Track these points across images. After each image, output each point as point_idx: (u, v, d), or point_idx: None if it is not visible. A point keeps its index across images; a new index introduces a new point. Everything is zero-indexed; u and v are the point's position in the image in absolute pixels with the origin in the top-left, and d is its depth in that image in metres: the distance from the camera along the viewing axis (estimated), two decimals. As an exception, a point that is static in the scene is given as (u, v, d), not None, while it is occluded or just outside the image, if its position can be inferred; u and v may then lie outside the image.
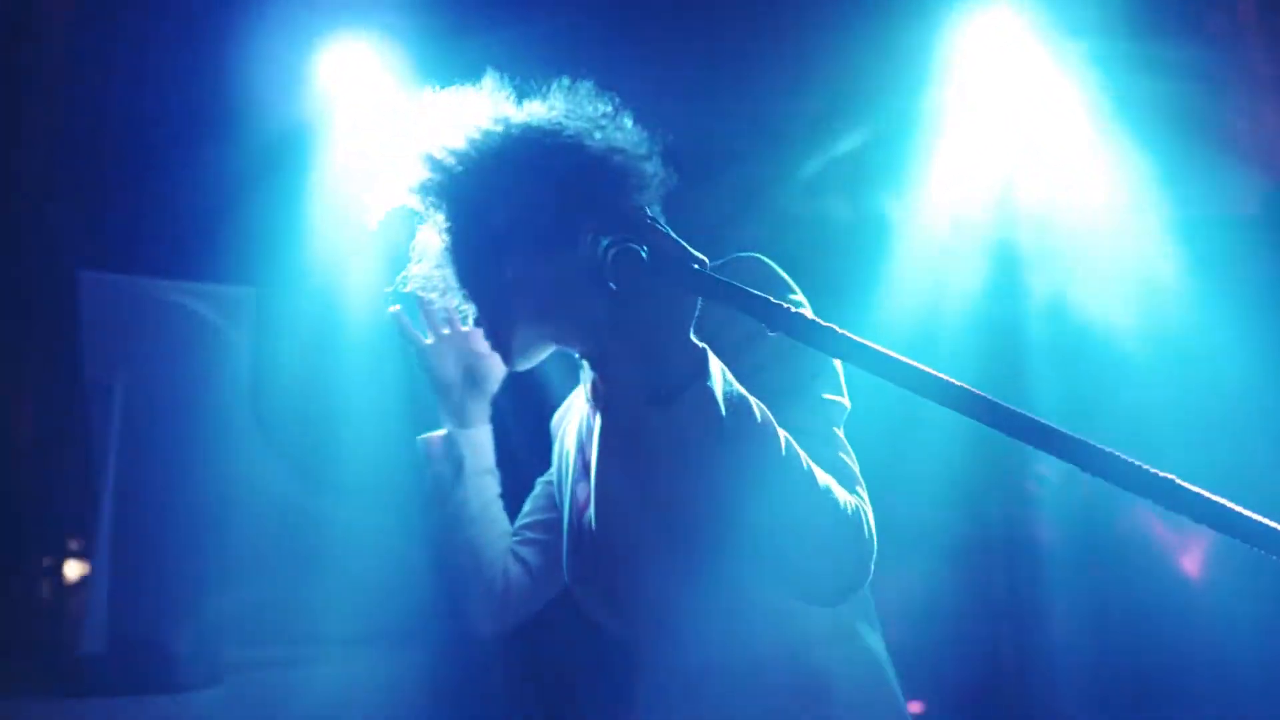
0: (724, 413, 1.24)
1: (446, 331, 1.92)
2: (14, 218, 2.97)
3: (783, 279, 1.57)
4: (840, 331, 1.15)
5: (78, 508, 3.08)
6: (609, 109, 1.63)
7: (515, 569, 1.91)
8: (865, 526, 1.36)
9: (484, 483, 1.94)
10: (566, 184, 1.54)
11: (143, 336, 3.06)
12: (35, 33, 3.44)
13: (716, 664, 1.65)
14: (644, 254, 1.18)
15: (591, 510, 1.61)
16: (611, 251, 1.18)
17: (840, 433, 1.48)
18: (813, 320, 1.16)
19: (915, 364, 1.13)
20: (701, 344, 1.25)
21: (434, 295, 1.63)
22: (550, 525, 1.90)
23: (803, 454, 1.30)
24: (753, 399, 1.29)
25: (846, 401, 1.52)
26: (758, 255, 1.58)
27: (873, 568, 1.39)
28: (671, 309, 1.23)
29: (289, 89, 3.21)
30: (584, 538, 1.64)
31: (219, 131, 2.95)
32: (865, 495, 1.41)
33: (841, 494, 1.34)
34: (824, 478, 1.32)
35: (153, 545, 3.04)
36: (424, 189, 1.58)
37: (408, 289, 1.68)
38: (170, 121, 3.06)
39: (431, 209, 1.58)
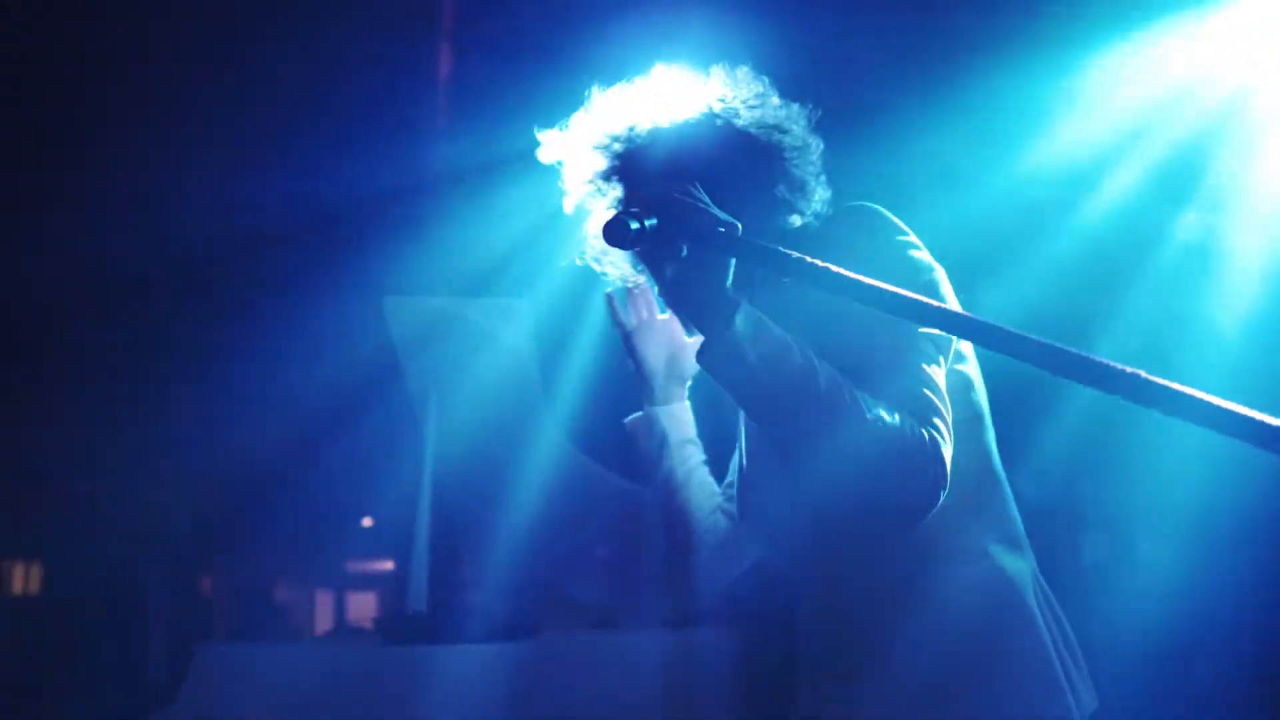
0: (753, 357, 1.46)
1: (647, 317, 2.06)
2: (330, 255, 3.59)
3: (891, 222, 1.70)
4: (856, 278, 1.31)
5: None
6: (764, 88, 1.80)
7: (724, 524, 2.02)
8: (926, 454, 1.48)
9: (686, 452, 2.05)
10: (716, 162, 1.72)
11: (445, 347, 3.38)
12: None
13: (848, 590, 1.78)
14: (640, 226, 1.40)
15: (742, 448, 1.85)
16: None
17: (930, 368, 1.58)
18: (824, 267, 1.33)
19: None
20: (735, 298, 1.48)
21: (611, 270, 1.84)
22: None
23: (847, 389, 1.48)
24: (795, 343, 1.49)
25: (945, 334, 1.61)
26: (865, 203, 1.73)
27: (941, 494, 1.50)
28: (697, 270, 1.48)
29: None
30: (744, 475, 1.86)
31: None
32: (943, 425, 1.52)
33: (898, 423, 1.48)
34: (876, 410, 1.47)
35: (464, 523, 3.50)
36: (599, 172, 1.79)
37: (580, 261, 1.87)
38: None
39: (606, 189, 1.80)
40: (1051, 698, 1.66)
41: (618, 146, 1.78)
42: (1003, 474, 1.80)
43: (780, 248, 1.41)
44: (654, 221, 1.43)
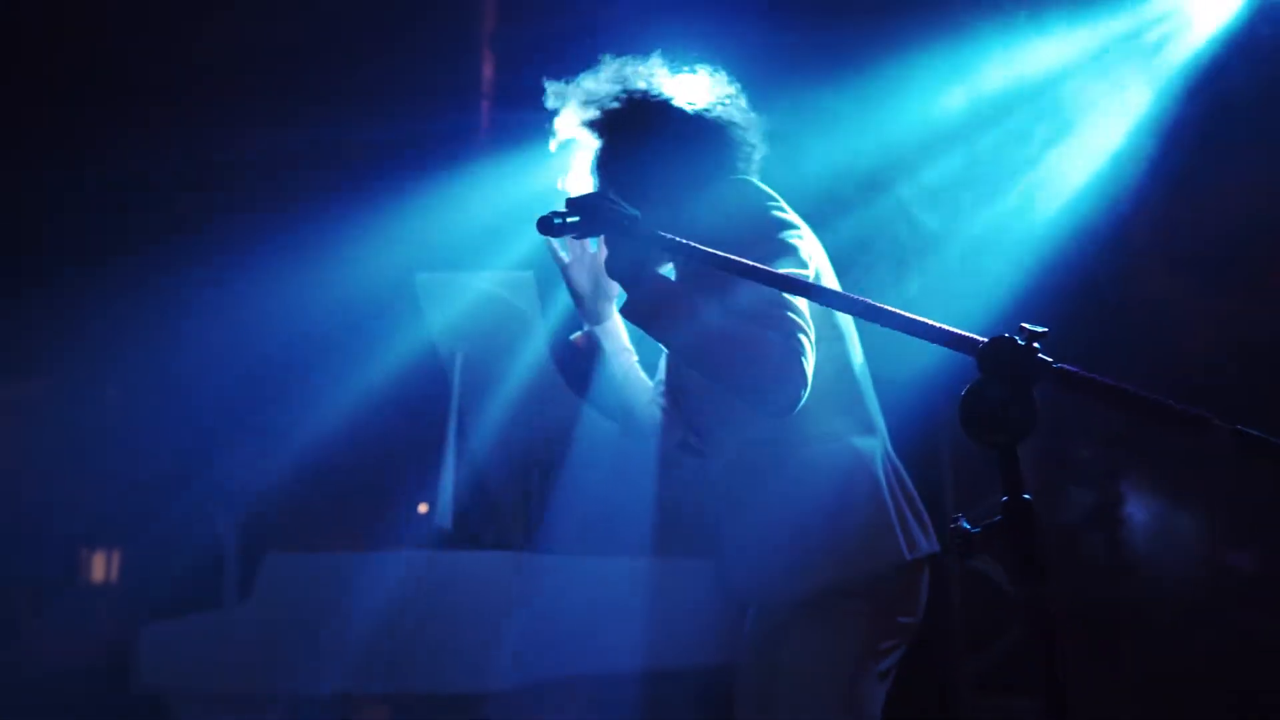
0: (651, 306, 2.03)
1: (579, 252, 2.44)
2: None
3: (763, 192, 2.21)
4: (725, 256, 1.78)
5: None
6: (734, 91, 2.33)
7: (658, 413, 2.49)
8: (793, 360, 1.97)
9: (622, 359, 2.49)
10: (680, 143, 2.26)
11: (468, 316, 3.89)
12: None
13: (739, 462, 2.29)
14: (563, 221, 1.91)
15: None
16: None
17: (791, 298, 2.03)
18: (704, 249, 1.80)
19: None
20: (649, 268, 2.04)
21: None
22: None
23: (722, 322, 2.00)
24: (683, 294, 2.05)
25: (803, 272, 2.11)
26: (742, 177, 2.27)
27: (804, 390, 1.99)
28: (612, 248, 2.07)
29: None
30: (670, 376, 2.43)
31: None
32: (806, 340, 2.00)
33: (766, 338, 1.98)
34: (749, 330, 1.99)
35: (481, 462, 4.06)
36: (589, 123, 2.33)
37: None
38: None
39: (593, 137, 2.33)
40: (883, 540, 2.17)
41: (604, 111, 2.32)
42: (861, 377, 2.31)
43: (666, 234, 1.89)
44: (575, 219, 1.94)
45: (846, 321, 2.33)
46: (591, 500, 4.12)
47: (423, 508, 4.79)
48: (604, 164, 2.33)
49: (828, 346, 2.21)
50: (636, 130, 2.31)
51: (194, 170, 4.95)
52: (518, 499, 4.03)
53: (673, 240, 1.91)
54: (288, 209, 4.77)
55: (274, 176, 4.89)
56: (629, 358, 2.52)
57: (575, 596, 3.78)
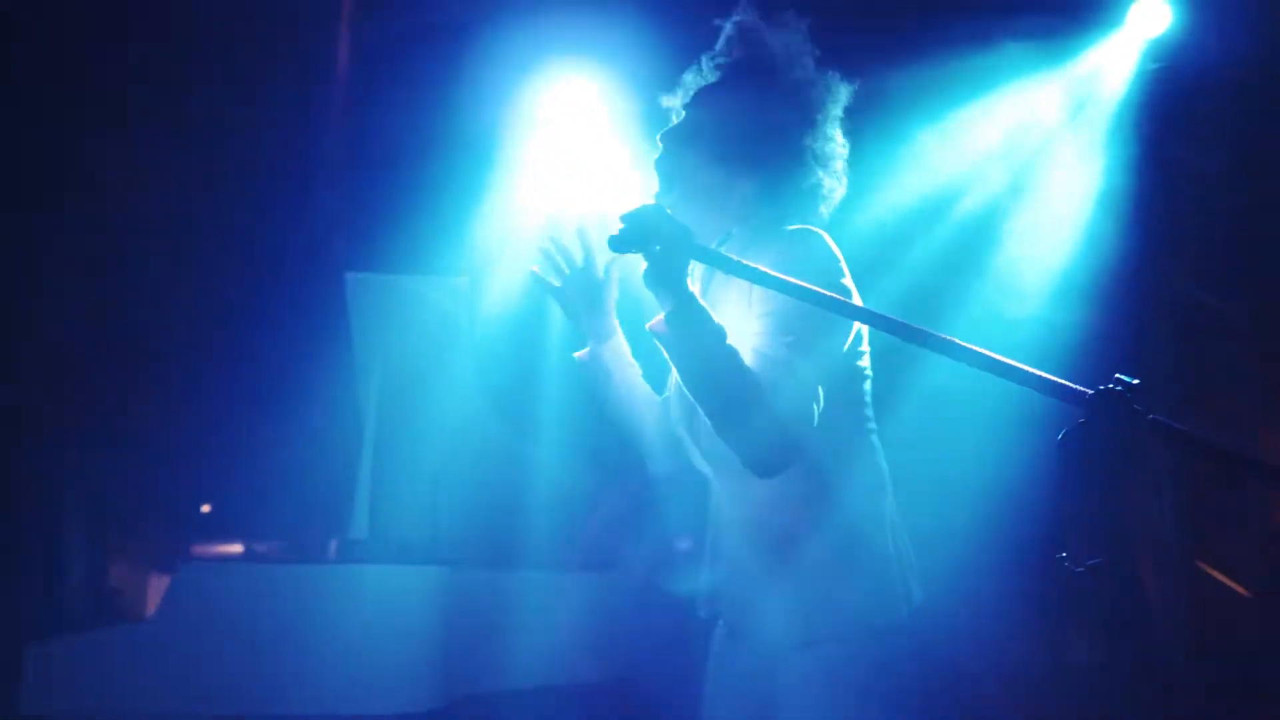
0: (694, 336, 1.93)
1: (568, 272, 2.40)
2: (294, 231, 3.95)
3: (832, 253, 2.14)
4: (782, 277, 1.80)
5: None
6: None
7: (668, 439, 2.42)
8: (785, 425, 1.96)
9: (628, 375, 2.44)
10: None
11: (395, 321, 3.80)
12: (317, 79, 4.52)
13: (733, 510, 2.29)
14: (629, 237, 1.87)
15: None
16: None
17: (810, 367, 2.01)
18: (755, 268, 1.81)
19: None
20: (689, 290, 1.93)
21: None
22: None
23: (745, 369, 1.95)
24: (718, 327, 1.95)
25: (843, 340, 2.11)
26: (810, 228, 2.18)
27: (789, 462, 1.99)
28: (662, 263, 1.93)
29: (504, 114, 4.15)
30: (683, 398, 2.24)
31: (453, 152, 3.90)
32: (803, 406, 1.99)
33: (770, 399, 1.94)
34: (758, 386, 1.95)
35: (401, 471, 3.84)
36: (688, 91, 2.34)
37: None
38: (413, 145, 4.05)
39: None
40: (885, 596, 2.16)
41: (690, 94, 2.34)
42: (876, 437, 2.29)
43: (723, 252, 1.91)
44: (634, 234, 1.90)
45: (870, 387, 2.31)
46: (504, 511, 4.06)
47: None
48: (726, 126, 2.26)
49: (855, 412, 2.23)
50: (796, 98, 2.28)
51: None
52: (437, 509, 3.93)
53: (726, 258, 1.89)
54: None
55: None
56: (634, 372, 2.47)
57: (503, 610, 3.68)
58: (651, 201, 2.08)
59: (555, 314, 3.61)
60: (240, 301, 4.37)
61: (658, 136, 2.34)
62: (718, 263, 1.92)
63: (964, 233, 4.55)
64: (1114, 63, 4.59)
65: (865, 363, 2.28)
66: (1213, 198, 4.72)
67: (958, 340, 1.70)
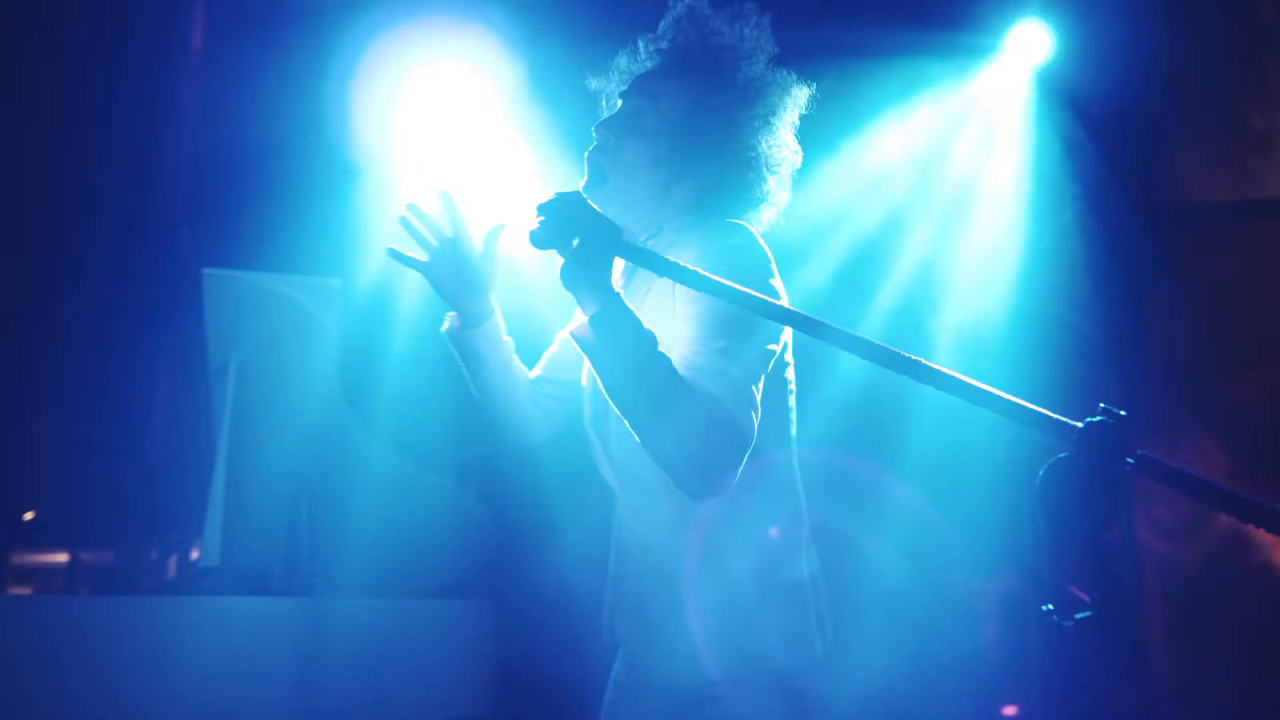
0: (610, 329, 1.75)
1: (437, 248, 2.18)
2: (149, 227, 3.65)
3: (765, 252, 1.98)
4: (714, 278, 1.64)
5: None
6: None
7: (540, 413, 2.29)
8: (727, 440, 1.76)
9: (501, 355, 2.23)
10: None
11: (254, 322, 3.55)
12: (173, 71, 4.19)
13: (637, 529, 2.10)
14: (549, 231, 1.70)
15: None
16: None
17: (746, 375, 1.84)
18: (689, 269, 1.65)
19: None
20: (611, 289, 1.76)
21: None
22: (564, 382, 2.28)
23: (680, 379, 1.76)
24: (647, 333, 1.76)
25: (773, 347, 1.93)
26: (738, 222, 2.02)
27: (730, 480, 1.78)
28: (575, 256, 1.76)
29: (373, 114, 3.91)
30: (596, 400, 2.11)
31: (317, 147, 3.62)
32: (743, 414, 1.80)
33: (709, 410, 1.76)
34: (695, 397, 1.76)
35: (256, 487, 3.60)
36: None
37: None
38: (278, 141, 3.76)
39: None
40: (800, 641, 2.02)
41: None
42: (796, 459, 2.13)
43: (650, 250, 1.73)
44: (554, 225, 1.74)
45: (794, 403, 2.15)
46: (374, 535, 3.74)
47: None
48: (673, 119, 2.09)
49: (780, 432, 2.07)
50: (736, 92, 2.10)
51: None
52: (297, 533, 3.62)
53: (656, 256, 1.71)
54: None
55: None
56: (506, 353, 2.26)
57: (373, 644, 3.40)
58: (568, 190, 1.88)
59: (433, 320, 3.43)
60: (82, 296, 3.96)
61: (593, 128, 2.16)
62: (645, 261, 1.73)
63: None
64: (1000, 88, 4.57)
65: (790, 375, 2.12)
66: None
67: (924, 360, 1.51)
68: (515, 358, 2.27)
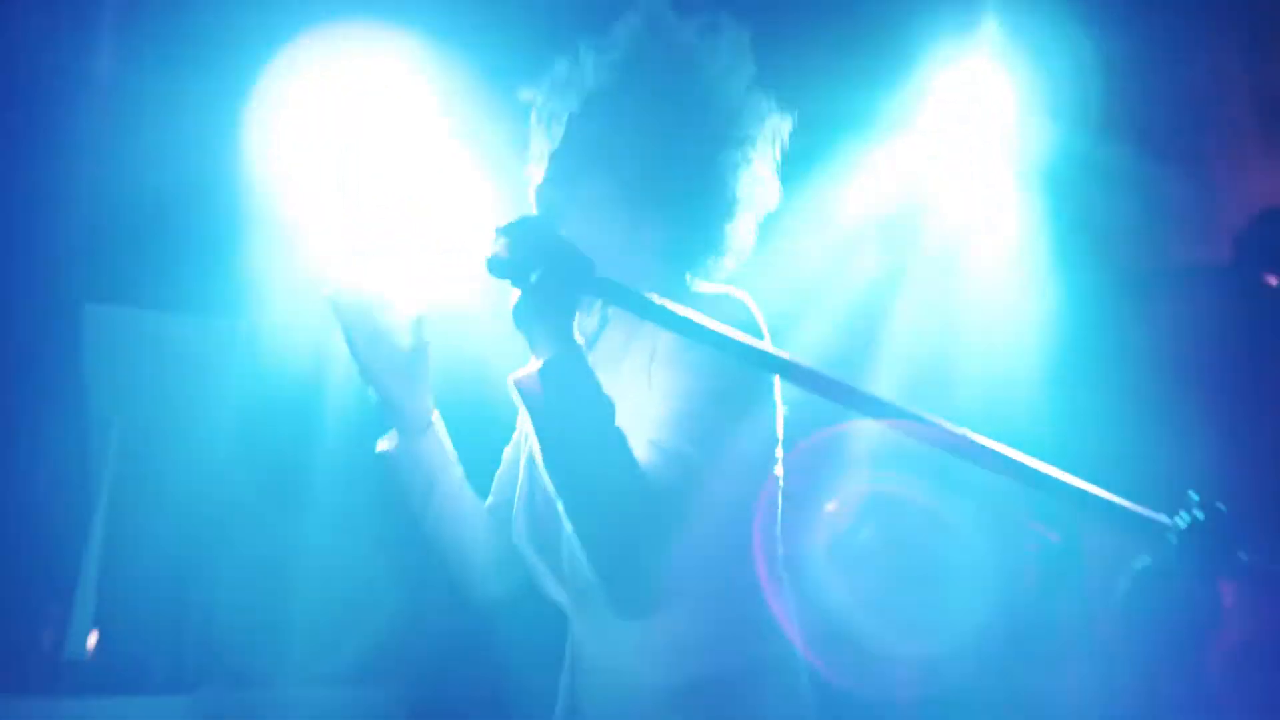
0: (567, 399, 1.51)
1: (387, 346, 1.85)
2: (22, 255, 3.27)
3: (757, 323, 1.73)
4: (703, 321, 1.45)
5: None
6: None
7: (496, 549, 1.93)
8: (667, 549, 1.54)
9: (450, 477, 1.92)
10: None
11: (142, 370, 3.33)
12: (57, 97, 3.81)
13: (601, 658, 1.79)
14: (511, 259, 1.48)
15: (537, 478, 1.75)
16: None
17: (717, 471, 1.61)
18: (673, 310, 1.45)
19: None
20: (572, 338, 1.53)
21: None
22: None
23: (633, 462, 1.52)
24: (605, 399, 1.53)
25: (760, 445, 1.73)
26: (729, 291, 1.77)
27: (662, 593, 1.56)
28: (535, 292, 1.51)
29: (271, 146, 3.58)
30: (534, 502, 1.79)
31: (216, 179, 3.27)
32: (699, 528, 1.59)
33: (660, 508, 1.52)
34: (645, 489, 1.52)
35: (135, 564, 3.28)
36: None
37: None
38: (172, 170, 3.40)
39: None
40: None
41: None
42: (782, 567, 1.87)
43: (632, 288, 1.50)
44: (519, 253, 1.50)
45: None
46: (274, 618, 3.46)
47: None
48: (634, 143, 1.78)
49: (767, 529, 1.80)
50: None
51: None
52: (185, 614, 3.39)
53: (638, 295, 1.50)
54: None
55: None
56: (456, 474, 1.93)
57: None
58: (533, 213, 1.69)
59: (344, 367, 3.14)
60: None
61: (537, 157, 1.86)
62: (623, 300, 1.53)
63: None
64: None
65: (780, 470, 1.84)
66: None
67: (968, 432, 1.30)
68: (465, 485, 1.94)
